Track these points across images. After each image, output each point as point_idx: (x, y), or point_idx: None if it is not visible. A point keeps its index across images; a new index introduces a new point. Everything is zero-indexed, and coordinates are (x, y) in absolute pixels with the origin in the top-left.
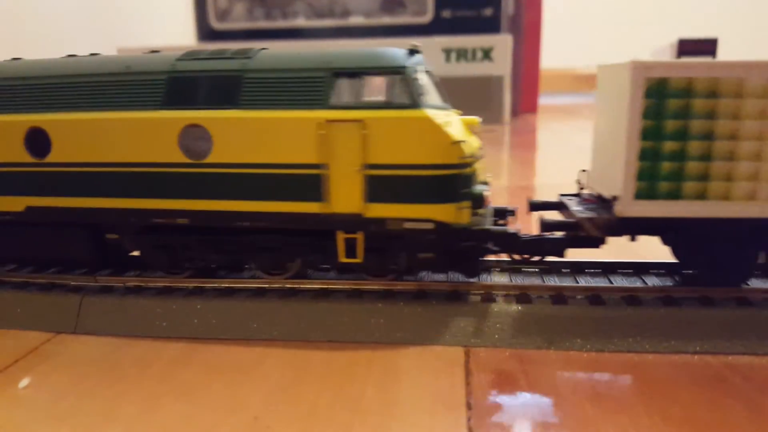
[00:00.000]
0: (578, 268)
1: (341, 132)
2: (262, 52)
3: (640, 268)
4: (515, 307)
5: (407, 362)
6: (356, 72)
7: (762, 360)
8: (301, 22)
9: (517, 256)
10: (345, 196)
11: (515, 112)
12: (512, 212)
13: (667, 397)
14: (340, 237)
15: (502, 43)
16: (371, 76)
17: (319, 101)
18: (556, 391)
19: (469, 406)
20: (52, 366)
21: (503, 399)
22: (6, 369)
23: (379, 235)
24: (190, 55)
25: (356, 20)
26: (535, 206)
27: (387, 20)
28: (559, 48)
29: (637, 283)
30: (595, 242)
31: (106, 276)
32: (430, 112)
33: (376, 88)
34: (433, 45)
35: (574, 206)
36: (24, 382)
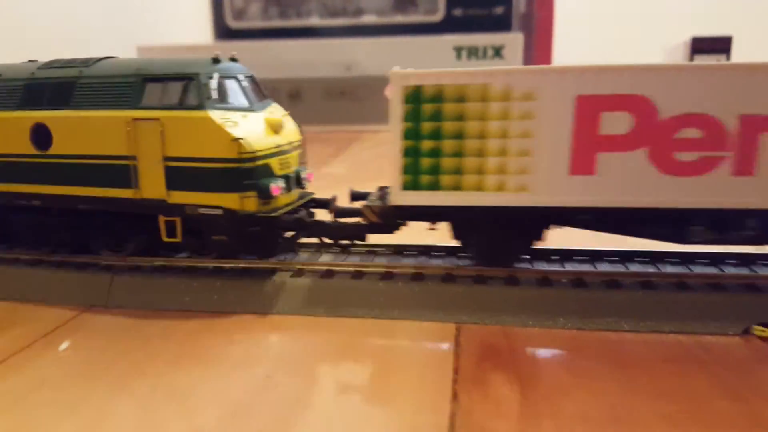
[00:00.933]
0: (567, 255)
1: (144, 129)
2: (101, 61)
3: (624, 256)
4: (504, 289)
5: (403, 335)
6: (160, 78)
7: (731, 339)
8: (314, 20)
9: (329, 240)
10: (151, 184)
11: None
12: (332, 200)
13: (638, 369)
14: (161, 220)
15: (512, 41)
16: (171, 82)
17: (131, 102)
18: (535, 361)
19: (456, 371)
20: (87, 333)
21: (487, 365)
22: (47, 335)
23: (194, 218)
24: (49, 65)
25: (369, 19)
26: (355, 196)
27: (399, 19)
28: (573, 45)
29: (620, 269)
30: (388, 228)
31: (135, 257)
32: (215, 114)
33: (174, 91)
34: (444, 43)
35: (373, 196)
36: (63, 345)
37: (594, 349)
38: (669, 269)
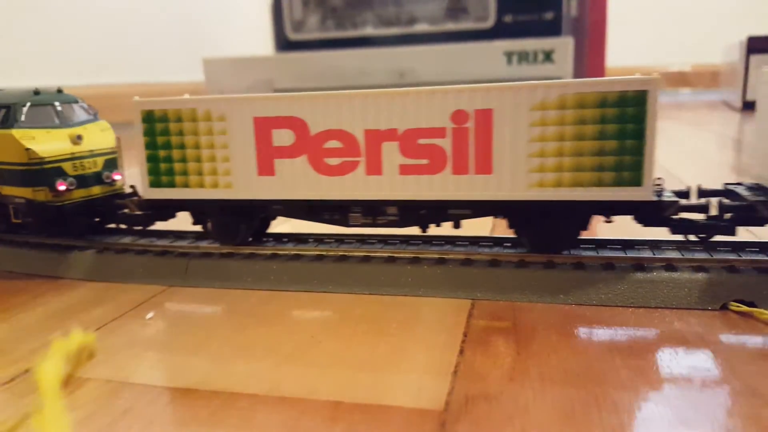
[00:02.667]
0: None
1: None
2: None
3: (626, 244)
4: (514, 271)
5: (426, 308)
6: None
7: (710, 313)
8: (369, 30)
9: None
10: None
11: None
12: (131, 194)
13: (620, 334)
14: (10, 206)
15: (562, 46)
16: (1, 109)
17: None
18: (533, 328)
19: (465, 334)
20: (167, 306)
21: (491, 331)
22: (136, 307)
23: (15, 205)
24: None
25: (421, 27)
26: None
27: (450, 26)
28: (628, 47)
29: (619, 254)
30: (146, 218)
31: (206, 245)
32: (17, 132)
33: (1, 115)
34: (495, 49)
35: None
36: (149, 315)
37: (586, 319)
38: (661, 255)
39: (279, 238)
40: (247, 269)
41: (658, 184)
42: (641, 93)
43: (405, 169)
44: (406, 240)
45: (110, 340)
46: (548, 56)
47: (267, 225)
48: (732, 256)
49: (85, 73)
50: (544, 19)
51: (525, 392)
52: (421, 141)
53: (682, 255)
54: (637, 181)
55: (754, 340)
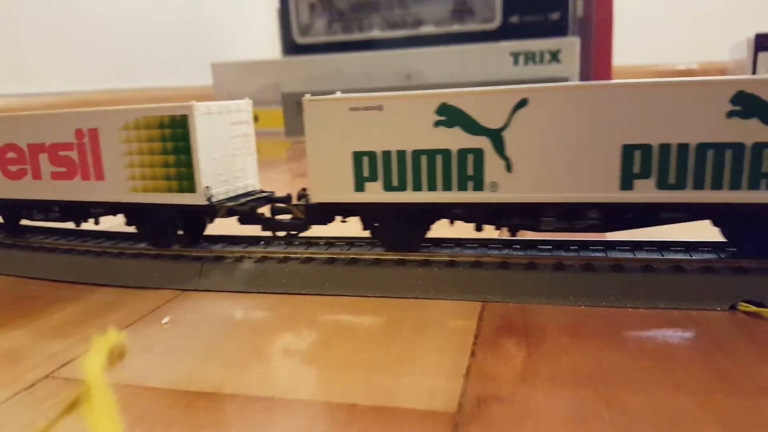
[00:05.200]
0: (583, 245)
1: None
2: None
3: (635, 245)
4: (524, 273)
5: (436, 311)
6: None
7: (719, 314)
8: (376, 33)
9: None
10: None
11: None
12: None
13: (630, 336)
14: None
15: (569, 46)
16: None
17: None
18: (544, 329)
19: (476, 336)
20: (182, 311)
21: (502, 333)
22: (151, 312)
23: None
24: None
25: (428, 29)
26: None
27: (457, 28)
28: (635, 46)
29: (627, 255)
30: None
31: (219, 248)
32: None
33: None
34: (501, 50)
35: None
36: (165, 320)
37: (596, 320)
38: (670, 255)
39: (291, 242)
40: (260, 272)
41: (208, 189)
42: (183, 117)
43: (55, 175)
44: None
45: (127, 344)
46: (555, 56)
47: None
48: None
49: (92, 79)
50: (551, 20)
51: (536, 393)
52: (61, 153)
53: (690, 256)
54: (191, 189)
55: (765, 340)
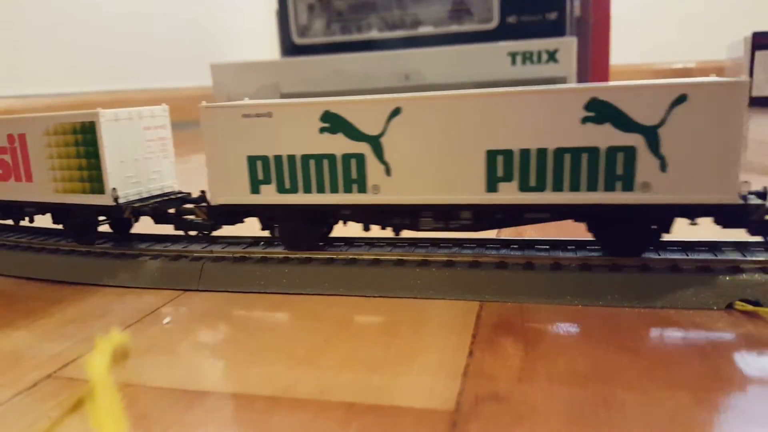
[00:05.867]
0: (581, 245)
1: None
2: None
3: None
4: (522, 273)
5: (434, 311)
6: None
7: (715, 313)
8: (374, 34)
9: None
10: None
11: None
12: None
13: (627, 335)
14: None
15: (566, 45)
16: None
17: None
18: (541, 329)
19: (474, 336)
20: (183, 310)
21: (500, 332)
22: (153, 312)
23: None
24: None
25: (426, 30)
26: None
27: (455, 28)
28: (633, 45)
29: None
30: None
31: (220, 249)
32: None
33: None
34: (499, 50)
35: None
36: (166, 319)
37: (593, 320)
38: (667, 255)
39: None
40: (260, 273)
41: (115, 190)
42: (92, 123)
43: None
44: (415, 243)
45: (130, 344)
46: (552, 56)
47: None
48: (737, 256)
49: (91, 80)
50: (548, 20)
51: (534, 392)
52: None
53: (687, 256)
54: (101, 190)
55: (761, 339)
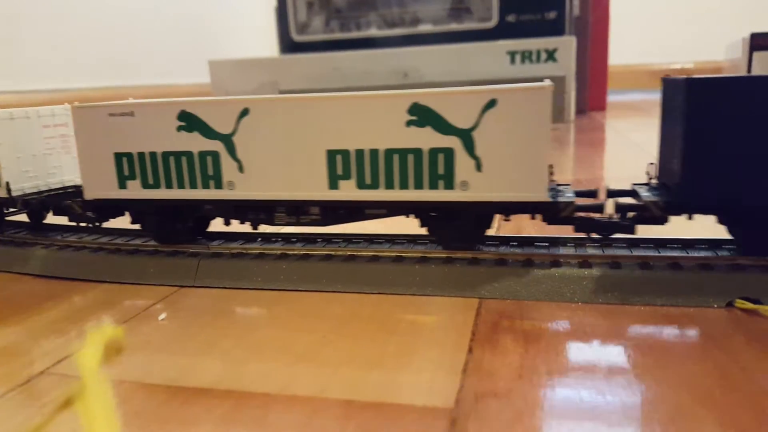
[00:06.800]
0: (580, 241)
1: None
2: None
3: (631, 243)
4: (521, 270)
5: (434, 308)
6: None
7: (715, 311)
8: (373, 32)
9: None
10: None
11: (582, 110)
12: None
13: (626, 332)
14: None
15: (565, 45)
16: None
17: None
18: (541, 326)
19: (473, 333)
20: (179, 307)
21: (499, 329)
22: (148, 309)
23: None
24: None
25: (425, 28)
26: None
27: (454, 27)
28: (633, 44)
29: (624, 252)
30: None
31: (217, 245)
32: None
33: None
34: (498, 48)
35: None
36: (162, 316)
37: (592, 317)
38: (667, 253)
39: (288, 238)
40: (257, 269)
41: (8, 183)
42: None
43: None
44: (414, 239)
45: (124, 339)
46: (551, 55)
47: None
48: (737, 254)
49: (91, 76)
50: (547, 19)
51: (533, 389)
52: None
53: (687, 253)
54: None
55: (761, 337)
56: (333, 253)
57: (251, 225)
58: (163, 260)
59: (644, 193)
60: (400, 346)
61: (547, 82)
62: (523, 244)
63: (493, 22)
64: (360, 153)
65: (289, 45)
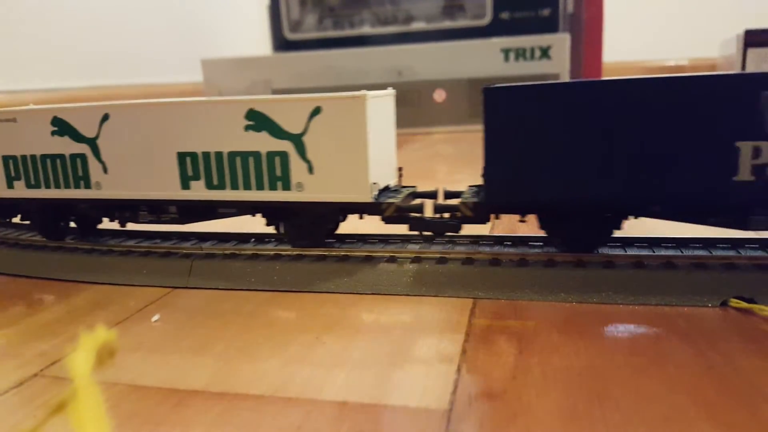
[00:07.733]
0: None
1: None
2: None
3: (625, 242)
4: (515, 269)
5: (428, 308)
6: None
7: (710, 310)
8: (367, 29)
9: None
10: None
11: None
12: None
13: (621, 332)
14: None
15: (559, 42)
16: None
17: None
18: (535, 326)
19: (467, 333)
20: (172, 308)
21: (493, 330)
22: (141, 310)
23: None
24: None
25: (419, 25)
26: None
27: (448, 24)
28: (625, 42)
29: (618, 252)
30: None
31: (210, 246)
32: None
33: None
34: (492, 46)
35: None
36: (155, 317)
37: (587, 317)
38: (661, 252)
39: (281, 239)
40: (250, 270)
41: None
42: None
43: None
44: (408, 239)
45: (117, 342)
46: (545, 53)
47: None
48: (731, 253)
49: (83, 75)
50: (541, 16)
51: (528, 390)
52: None
53: (681, 252)
54: None
55: (756, 337)
56: (327, 253)
57: (119, 223)
58: (156, 261)
59: (465, 194)
60: (394, 346)
61: (363, 92)
62: (517, 243)
63: (486, 20)
64: (207, 155)
65: (282, 43)
